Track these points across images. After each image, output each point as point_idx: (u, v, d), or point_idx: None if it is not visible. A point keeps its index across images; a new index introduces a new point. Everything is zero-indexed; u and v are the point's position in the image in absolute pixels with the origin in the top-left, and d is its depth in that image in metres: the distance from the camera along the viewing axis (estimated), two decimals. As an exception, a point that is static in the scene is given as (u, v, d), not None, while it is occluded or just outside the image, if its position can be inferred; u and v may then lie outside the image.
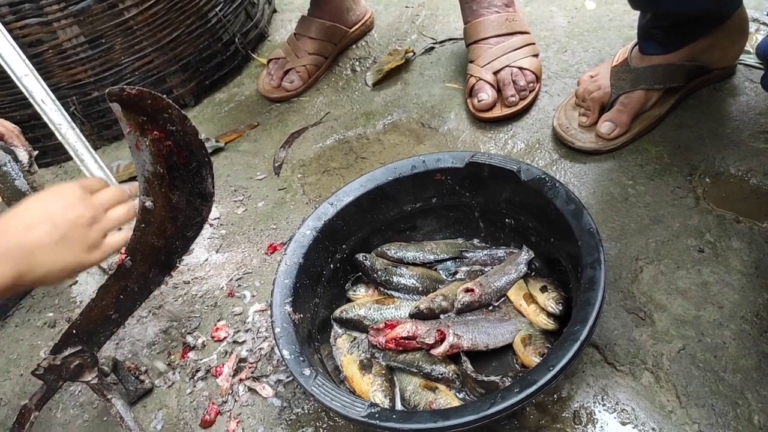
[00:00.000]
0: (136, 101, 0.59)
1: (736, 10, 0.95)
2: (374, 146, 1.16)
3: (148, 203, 0.65)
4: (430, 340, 0.74)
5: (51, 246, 0.59)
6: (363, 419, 0.60)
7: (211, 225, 1.07)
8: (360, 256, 0.86)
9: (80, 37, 1.26)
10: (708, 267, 0.80)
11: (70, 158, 1.28)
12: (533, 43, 1.15)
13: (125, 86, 0.59)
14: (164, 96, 0.61)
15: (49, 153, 1.34)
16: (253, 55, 1.49)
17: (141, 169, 0.63)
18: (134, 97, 0.59)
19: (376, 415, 0.60)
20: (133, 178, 1.21)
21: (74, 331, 0.68)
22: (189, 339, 0.89)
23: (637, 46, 1.00)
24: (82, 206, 0.62)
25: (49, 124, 1.13)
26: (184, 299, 0.96)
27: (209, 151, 1.25)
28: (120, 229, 0.67)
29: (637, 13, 0.99)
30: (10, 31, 1.17)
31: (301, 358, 0.67)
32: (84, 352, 0.69)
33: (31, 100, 1.13)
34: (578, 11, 1.29)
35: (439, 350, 0.73)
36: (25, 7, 1.21)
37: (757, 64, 1.04)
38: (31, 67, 1.15)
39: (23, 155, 0.84)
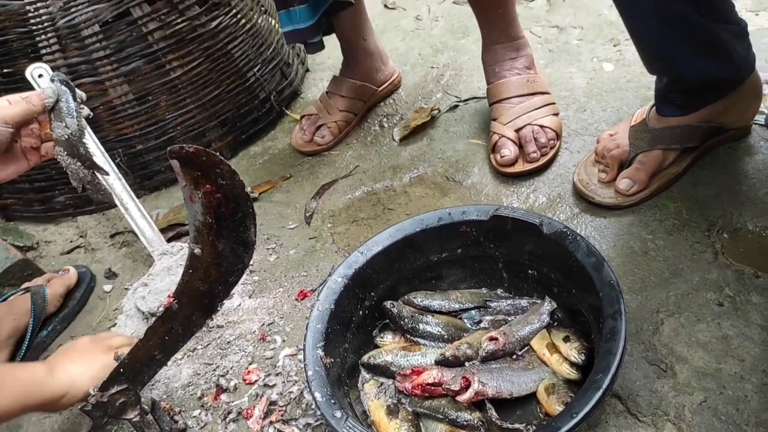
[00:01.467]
0: (193, 158, 0.65)
1: (750, 74, 1.00)
2: (401, 198, 1.21)
3: (197, 250, 0.70)
4: (456, 387, 0.77)
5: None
6: (392, 461, 0.62)
7: (247, 271, 1.12)
8: (388, 304, 0.90)
9: (129, 94, 1.35)
10: (728, 320, 0.82)
11: (113, 206, 1.36)
12: (553, 103, 1.21)
13: (184, 145, 0.65)
14: (217, 153, 0.67)
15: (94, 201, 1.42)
16: (287, 112, 1.57)
17: (193, 218, 0.69)
18: (191, 155, 0.65)
19: (405, 458, 0.62)
20: (171, 227, 1.28)
21: (122, 370, 0.72)
22: (222, 381, 0.92)
23: (654, 108, 1.05)
24: (101, 340, 0.83)
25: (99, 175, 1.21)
26: (218, 342, 1.00)
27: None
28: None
29: (653, 75, 1.04)
30: (67, 89, 1.26)
31: (333, 401, 0.70)
32: (129, 391, 0.73)
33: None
34: (596, 72, 1.36)
35: (464, 397, 0.76)
36: (82, 68, 1.32)
37: (772, 125, 1.08)
38: (85, 122, 1.24)
39: (81, 93, 0.81)
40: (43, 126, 0.82)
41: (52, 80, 0.78)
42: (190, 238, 0.69)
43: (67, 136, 0.78)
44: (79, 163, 0.79)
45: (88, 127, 1.20)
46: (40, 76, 1.17)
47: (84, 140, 0.79)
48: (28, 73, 1.13)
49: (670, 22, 0.90)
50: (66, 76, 0.80)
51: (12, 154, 0.80)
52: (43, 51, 1.29)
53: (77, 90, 0.81)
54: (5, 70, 1.31)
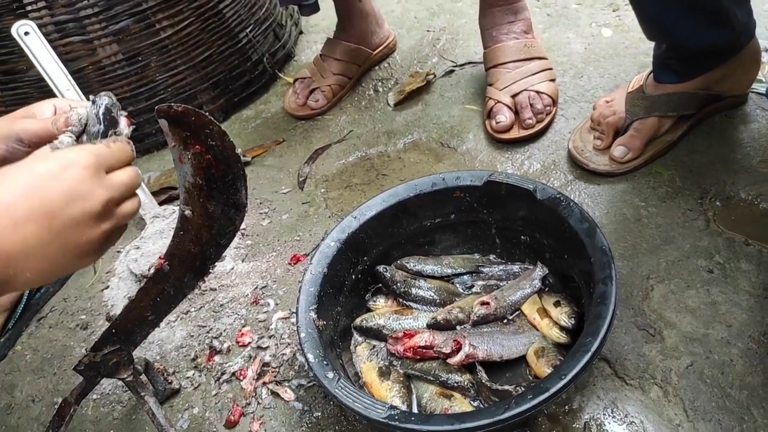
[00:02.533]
0: (182, 118, 0.64)
1: (750, 41, 0.98)
2: (395, 164, 1.20)
3: (188, 212, 0.69)
4: (447, 350, 0.78)
5: (39, 251, 0.50)
6: (383, 420, 0.63)
7: (239, 235, 1.12)
8: (381, 268, 0.90)
9: (118, 54, 1.32)
10: (717, 287, 0.83)
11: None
12: (551, 69, 1.19)
13: (172, 104, 0.64)
14: (207, 113, 0.66)
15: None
16: (280, 75, 1.55)
17: (182, 180, 0.68)
18: (180, 114, 0.64)
19: (396, 417, 0.63)
20: (163, 190, 1.27)
21: (113, 331, 0.72)
22: (215, 343, 0.93)
23: (652, 74, 1.04)
24: (91, 196, 0.52)
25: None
26: (211, 305, 1.00)
27: (239, 164, 1.31)
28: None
29: (652, 41, 1.03)
30: (54, 48, 1.24)
31: (325, 362, 0.71)
32: (121, 351, 0.73)
33: (72, 113, 1.20)
34: (595, 38, 1.34)
35: (455, 359, 0.77)
36: (69, 26, 1.28)
37: (769, 93, 1.07)
38: (73, 82, 1.22)
39: (123, 125, 0.65)
40: None
41: (93, 102, 0.64)
42: (181, 200, 0.69)
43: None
44: None
45: (78, 88, 1.17)
46: (26, 33, 1.14)
47: None
48: (13, 31, 1.10)
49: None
50: (113, 101, 0.64)
51: None
52: (29, 8, 1.26)
53: (122, 119, 0.65)
54: (-10, 27, 1.27)
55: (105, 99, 0.64)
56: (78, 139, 0.63)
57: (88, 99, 0.64)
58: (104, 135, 0.63)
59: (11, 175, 0.51)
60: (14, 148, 0.63)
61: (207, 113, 0.66)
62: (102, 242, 0.55)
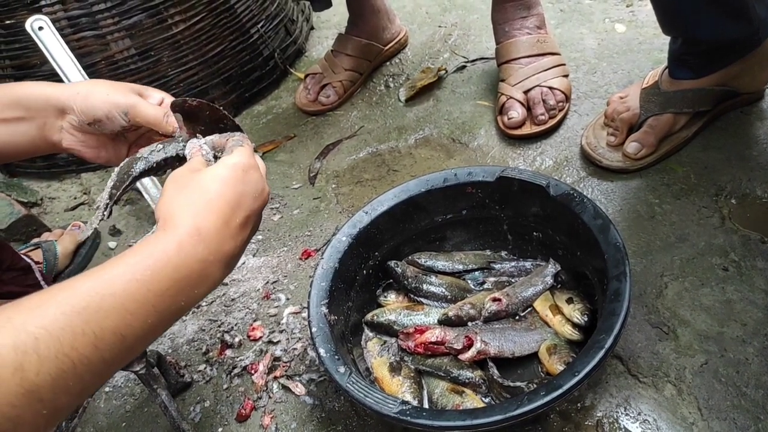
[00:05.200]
0: (196, 112, 0.64)
1: (767, 37, 0.97)
2: (406, 159, 1.20)
3: None
4: (459, 346, 0.77)
5: (244, 247, 0.56)
6: (395, 415, 0.63)
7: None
8: (392, 263, 0.90)
9: (131, 49, 1.33)
10: (732, 285, 0.82)
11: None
12: (563, 64, 1.18)
13: (187, 98, 0.64)
14: (221, 108, 0.66)
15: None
16: (291, 70, 1.55)
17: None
18: (195, 108, 0.64)
19: (408, 412, 0.63)
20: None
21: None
22: (226, 337, 0.93)
23: (667, 70, 1.03)
24: (264, 191, 0.58)
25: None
26: (222, 300, 1.00)
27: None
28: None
29: (667, 36, 1.01)
30: (67, 42, 1.24)
31: (336, 357, 0.71)
32: (134, 343, 0.73)
33: (85, 108, 1.21)
34: (608, 34, 1.33)
35: (466, 356, 0.76)
36: (82, 21, 1.29)
37: (786, 90, 1.06)
38: (86, 76, 1.22)
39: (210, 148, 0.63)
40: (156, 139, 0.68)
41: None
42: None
43: (145, 167, 0.63)
44: (110, 193, 0.62)
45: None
46: (40, 28, 1.15)
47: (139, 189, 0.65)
48: (27, 26, 1.11)
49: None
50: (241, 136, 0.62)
51: (117, 141, 0.69)
52: (43, 2, 1.26)
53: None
54: (6, 22, 1.28)
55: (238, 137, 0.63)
56: (173, 139, 0.65)
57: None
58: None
59: (202, 183, 0.53)
60: (115, 116, 0.64)
61: (221, 107, 0.66)
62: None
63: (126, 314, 0.44)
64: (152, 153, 0.64)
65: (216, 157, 0.61)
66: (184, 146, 0.63)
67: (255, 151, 0.62)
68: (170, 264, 0.48)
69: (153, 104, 0.65)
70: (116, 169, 0.64)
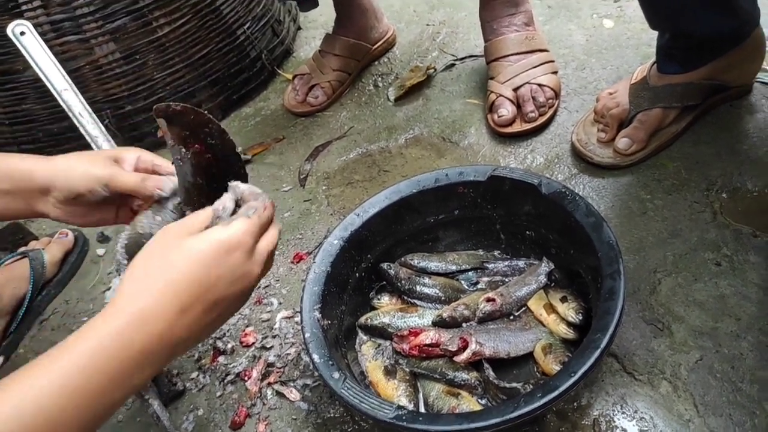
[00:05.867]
0: (180, 117, 0.63)
1: (755, 29, 0.97)
2: (396, 160, 1.19)
3: (188, 212, 0.68)
4: (453, 347, 0.77)
5: (201, 329, 0.52)
6: (391, 420, 0.62)
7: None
8: (385, 265, 0.89)
9: (116, 53, 1.31)
10: (725, 280, 0.82)
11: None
12: (552, 61, 1.18)
13: (171, 103, 0.63)
14: (206, 112, 0.65)
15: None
16: (279, 71, 1.53)
17: (182, 180, 0.67)
18: (178, 113, 0.63)
19: (404, 417, 0.62)
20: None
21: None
22: (219, 344, 0.92)
23: (655, 65, 1.03)
24: (250, 275, 0.53)
25: (86, 137, 1.18)
26: (214, 305, 0.99)
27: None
28: None
29: (655, 32, 1.01)
30: (50, 47, 1.22)
31: (330, 362, 0.70)
32: (124, 354, 0.72)
33: (69, 114, 1.18)
34: (596, 29, 1.32)
35: (461, 357, 0.76)
36: (65, 25, 1.27)
37: (774, 82, 1.06)
38: (70, 81, 1.20)
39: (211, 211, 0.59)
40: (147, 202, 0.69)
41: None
42: (181, 200, 0.68)
43: (141, 239, 0.63)
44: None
45: (75, 88, 1.15)
46: (22, 33, 1.12)
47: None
48: (9, 31, 1.09)
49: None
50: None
51: (102, 206, 0.70)
52: (25, 7, 1.24)
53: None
54: (-15, 27, 1.26)
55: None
56: (160, 202, 0.67)
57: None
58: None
59: (172, 257, 0.50)
60: (96, 190, 0.66)
61: (206, 111, 0.65)
62: (239, 308, 0.57)
63: (54, 426, 0.44)
64: (150, 224, 0.66)
65: (235, 211, 0.58)
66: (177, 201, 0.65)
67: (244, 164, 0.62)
68: (105, 356, 0.46)
69: (129, 172, 0.67)
70: (122, 247, 0.67)
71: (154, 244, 0.53)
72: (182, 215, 0.65)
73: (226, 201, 0.59)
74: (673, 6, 0.91)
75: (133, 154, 0.69)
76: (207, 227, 0.54)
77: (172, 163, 0.67)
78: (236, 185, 0.61)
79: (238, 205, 0.60)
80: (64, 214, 0.68)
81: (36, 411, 0.43)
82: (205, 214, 0.57)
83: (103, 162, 0.66)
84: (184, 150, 0.65)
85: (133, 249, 0.63)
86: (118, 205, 0.71)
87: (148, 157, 0.69)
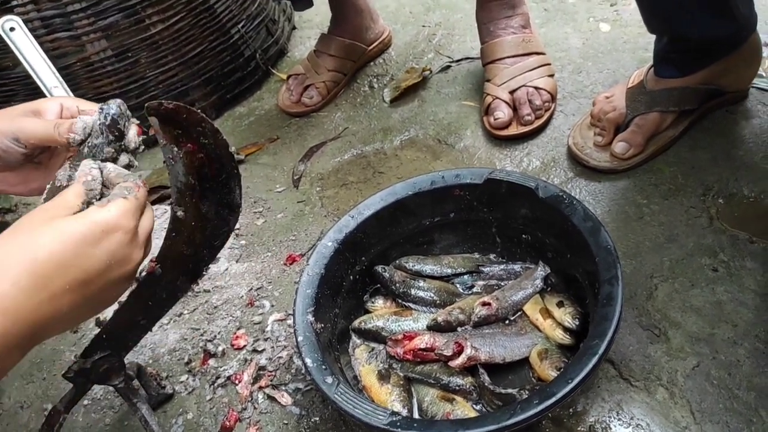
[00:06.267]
0: (173, 115, 0.61)
1: (751, 35, 0.97)
2: (391, 161, 1.18)
3: (180, 213, 0.67)
4: (448, 352, 0.76)
5: (70, 315, 0.48)
6: (385, 427, 0.61)
7: (233, 235, 1.09)
8: (379, 268, 0.88)
9: (107, 50, 1.29)
10: (722, 286, 0.81)
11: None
12: (549, 64, 1.18)
13: (163, 101, 0.61)
14: (199, 110, 0.63)
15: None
16: (273, 71, 1.52)
17: (174, 179, 0.65)
18: (171, 112, 0.61)
19: (398, 424, 0.61)
20: (154, 189, 1.24)
21: (104, 336, 0.69)
22: (209, 347, 0.91)
23: (652, 69, 1.02)
24: (129, 260, 0.51)
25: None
26: (205, 307, 0.98)
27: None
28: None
29: (651, 36, 1.01)
30: (41, 44, 1.20)
31: (323, 367, 0.69)
32: (112, 357, 0.71)
33: (59, 111, 1.17)
34: (593, 33, 1.32)
35: (456, 362, 0.75)
36: (56, 21, 1.25)
37: (770, 88, 1.06)
38: (61, 78, 1.18)
39: (133, 135, 0.60)
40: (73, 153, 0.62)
41: (100, 110, 0.59)
42: (173, 200, 0.66)
43: (62, 186, 0.57)
44: None
45: (66, 86, 1.14)
46: (11, 29, 1.11)
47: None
48: (-2, 26, 1.07)
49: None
50: (122, 110, 0.60)
51: (40, 168, 0.64)
52: (15, 2, 1.22)
53: (132, 129, 0.61)
54: (-26, 23, 1.24)
55: (113, 108, 0.59)
56: (79, 146, 0.60)
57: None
58: (110, 145, 0.59)
59: (42, 236, 0.47)
60: (8, 146, 0.59)
61: (199, 110, 0.63)
62: (122, 293, 0.55)
63: None
64: (68, 176, 0.58)
65: (102, 195, 0.55)
66: (92, 143, 0.58)
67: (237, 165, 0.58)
68: None
69: (41, 120, 0.60)
70: (42, 200, 0.58)
71: (24, 221, 0.49)
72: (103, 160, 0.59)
73: (93, 174, 0.55)
74: (671, 9, 0.91)
75: (54, 103, 0.61)
76: (78, 210, 0.51)
77: (164, 162, 0.65)
78: (103, 165, 0.56)
79: (105, 186, 0.56)
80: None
81: None
82: (75, 192, 0.53)
83: (14, 115, 0.59)
84: (176, 149, 0.64)
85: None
86: (59, 165, 0.62)
87: (71, 103, 0.62)
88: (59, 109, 0.61)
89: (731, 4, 0.90)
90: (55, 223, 0.48)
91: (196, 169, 0.67)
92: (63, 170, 0.59)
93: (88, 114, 0.62)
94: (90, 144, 0.60)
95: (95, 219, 0.49)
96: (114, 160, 0.60)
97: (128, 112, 0.62)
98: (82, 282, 0.48)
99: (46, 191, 0.59)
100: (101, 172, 0.56)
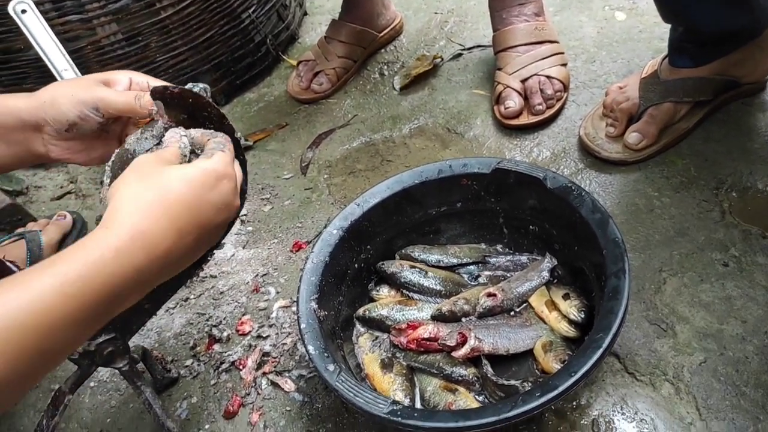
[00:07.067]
0: (179, 99, 0.61)
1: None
2: (400, 150, 1.17)
3: None
4: (452, 342, 0.75)
5: (190, 254, 0.53)
6: (385, 416, 0.61)
7: (239, 221, 1.09)
8: (383, 265, 0.87)
9: (118, 34, 1.29)
10: (732, 281, 0.80)
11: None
12: (562, 53, 1.16)
13: (168, 85, 0.61)
14: (205, 95, 0.63)
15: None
16: (284, 57, 1.51)
17: (179, 164, 0.65)
18: (176, 96, 0.61)
19: (398, 413, 0.61)
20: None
21: (109, 319, 0.70)
22: (214, 332, 0.91)
23: (667, 59, 1.00)
24: (232, 206, 0.55)
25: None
26: (211, 293, 0.98)
27: (240, 149, 1.28)
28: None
29: (667, 25, 0.99)
30: (52, 27, 1.20)
31: (326, 354, 0.69)
32: (117, 340, 0.71)
33: (70, 95, 1.17)
34: (608, 22, 1.30)
35: (460, 353, 0.75)
36: (67, 4, 1.24)
37: (788, 80, 1.03)
38: (71, 62, 1.18)
39: (197, 135, 0.60)
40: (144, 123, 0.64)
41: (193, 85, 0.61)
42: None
43: (127, 155, 0.60)
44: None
45: (77, 69, 1.15)
46: (23, 11, 1.11)
47: None
48: (10, 8, 1.07)
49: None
50: (208, 90, 0.62)
51: (105, 137, 0.66)
52: (26, -15, 1.22)
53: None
54: (-14, 5, 1.24)
55: (200, 87, 0.62)
56: (153, 122, 0.62)
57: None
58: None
59: (163, 180, 0.51)
60: (87, 114, 0.61)
61: (209, 97, 0.63)
62: (221, 237, 0.59)
63: (50, 332, 0.42)
64: (138, 141, 0.62)
65: (195, 154, 0.59)
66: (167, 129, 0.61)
67: (243, 151, 0.61)
68: (104, 272, 0.45)
69: (121, 91, 0.63)
70: (108, 164, 0.62)
71: (136, 170, 0.52)
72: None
73: (184, 141, 0.59)
74: (686, 1, 0.88)
75: (124, 76, 0.65)
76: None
77: (169, 146, 0.65)
78: (186, 132, 0.60)
79: (194, 153, 0.59)
80: (64, 152, 0.64)
81: (29, 312, 0.41)
82: (172, 150, 0.57)
83: (91, 84, 0.62)
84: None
85: (117, 167, 0.60)
86: (119, 135, 0.67)
87: (141, 78, 0.65)
88: (129, 82, 0.65)
89: (750, -5, 0.88)
90: (170, 168, 0.53)
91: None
92: (134, 136, 0.62)
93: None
94: (165, 118, 0.62)
95: (209, 167, 0.53)
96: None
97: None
98: (202, 222, 0.52)
99: (114, 155, 0.61)
100: (188, 138, 0.60)
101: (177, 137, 0.59)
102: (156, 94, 0.61)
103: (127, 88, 0.64)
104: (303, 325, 0.72)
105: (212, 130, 0.61)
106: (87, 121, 0.62)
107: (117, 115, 0.63)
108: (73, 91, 0.61)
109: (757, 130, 0.98)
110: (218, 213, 0.53)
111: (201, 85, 0.62)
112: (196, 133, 0.60)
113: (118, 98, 0.61)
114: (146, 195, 0.49)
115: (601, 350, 0.61)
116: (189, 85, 0.62)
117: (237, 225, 1.09)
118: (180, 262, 0.52)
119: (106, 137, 0.67)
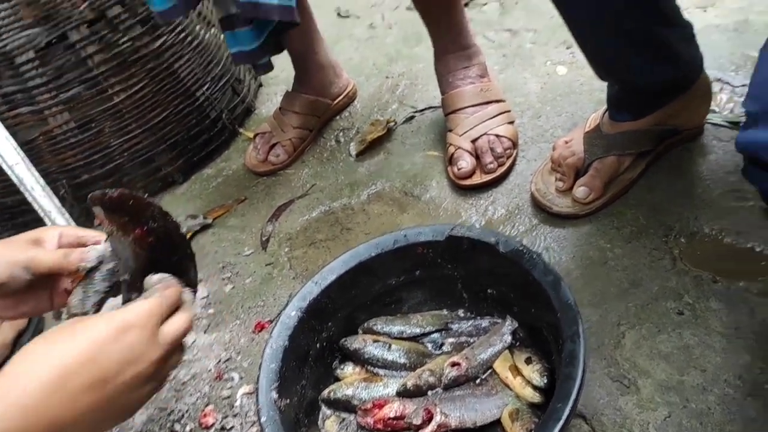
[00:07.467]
0: (118, 203, 0.61)
1: (699, 75, 0.99)
2: (359, 216, 1.18)
3: (134, 297, 0.66)
4: (418, 421, 0.74)
5: (89, 417, 0.48)
6: None
7: (200, 305, 1.08)
8: (345, 342, 0.86)
9: (70, 123, 1.30)
10: (688, 329, 0.81)
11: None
12: (508, 111, 1.19)
13: (107, 190, 0.61)
14: (145, 195, 0.63)
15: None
16: (240, 130, 1.53)
17: (124, 267, 0.64)
18: (116, 200, 0.61)
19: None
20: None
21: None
22: (177, 427, 0.88)
23: (607, 113, 1.04)
24: (143, 359, 0.51)
25: (39, 211, 1.16)
26: (172, 384, 0.95)
27: (197, 227, 1.27)
28: None
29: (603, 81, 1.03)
30: (2, 120, 1.21)
31: (288, 448, 0.67)
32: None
33: (21, 188, 1.16)
34: (550, 77, 1.35)
35: (427, 430, 0.73)
36: (18, 97, 1.25)
37: (723, 123, 1.08)
38: (23, 155, 1.18)
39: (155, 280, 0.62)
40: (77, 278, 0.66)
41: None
42: (124, 288, 0.65)
43: (79, 312, 0.63)
44: None
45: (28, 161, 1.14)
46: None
47: None
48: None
49: (615, 29, 0.89)
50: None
51: (32, 293, 0.66)
52: (-26, 82, 1.22)
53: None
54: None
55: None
56: (88, 274, 0.64)
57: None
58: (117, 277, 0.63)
59: (65, 338, 0.49)
60: (18, 275, 0.62)
61: (168, 177, 0.64)
62: (146, 399, 0.53)
63: None
64: (82, 302, 0.63)
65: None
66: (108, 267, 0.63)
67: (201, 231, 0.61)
68: None
69: (50, 250, 0.64)
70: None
71: (56, 328, 0.51)
72: (114, 284, 0.64)
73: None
74: (614, 59, 0.93)
75: (53, 232, 0.66)
76: None
77: (111, 251, 0.65)
78: (147, 278, 0.61)
79: None
80: None
81: None
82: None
83: (20, 245, 0.63)
84: (123, 236, 0.63)
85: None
86: (51, 289, 0.67)
87: (70, 231, 0.67)
88: (58, 238, 0.65)
89: (676, 51, 0.93)
90: (78, 325, 0.51)
91: (147, 254, 0.66)
92: (75, 296, 0.63)
93: (87, 239, 0.67)
94: (101, 271, 0.64)
95: (114, 317, 0.51)
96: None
97: None
98: (99, 380, 0.48)
99: (63, 315, 0.63)
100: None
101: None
102: (95, 200, 0.61)
103: (56, 245, 0.65)
104: (263, 418, 0.70)
105: (168, 276, 0.61)
106: (16, 280, 0.62)
107: (47, 273, 0.63)
108: (2, 252, 0.62)
109: (699, 175, 1.01)
110: (123, 367, 0.49)
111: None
112: (155, 279, 0.61)
113: (47, 257, 0.63)
114: (34, 350, 0.48)
115: (561, 422, 0.60)
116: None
117: (198, 308, 1.08)
118: (84, 426, 0.48)
119: (36, 291, 0.66)
